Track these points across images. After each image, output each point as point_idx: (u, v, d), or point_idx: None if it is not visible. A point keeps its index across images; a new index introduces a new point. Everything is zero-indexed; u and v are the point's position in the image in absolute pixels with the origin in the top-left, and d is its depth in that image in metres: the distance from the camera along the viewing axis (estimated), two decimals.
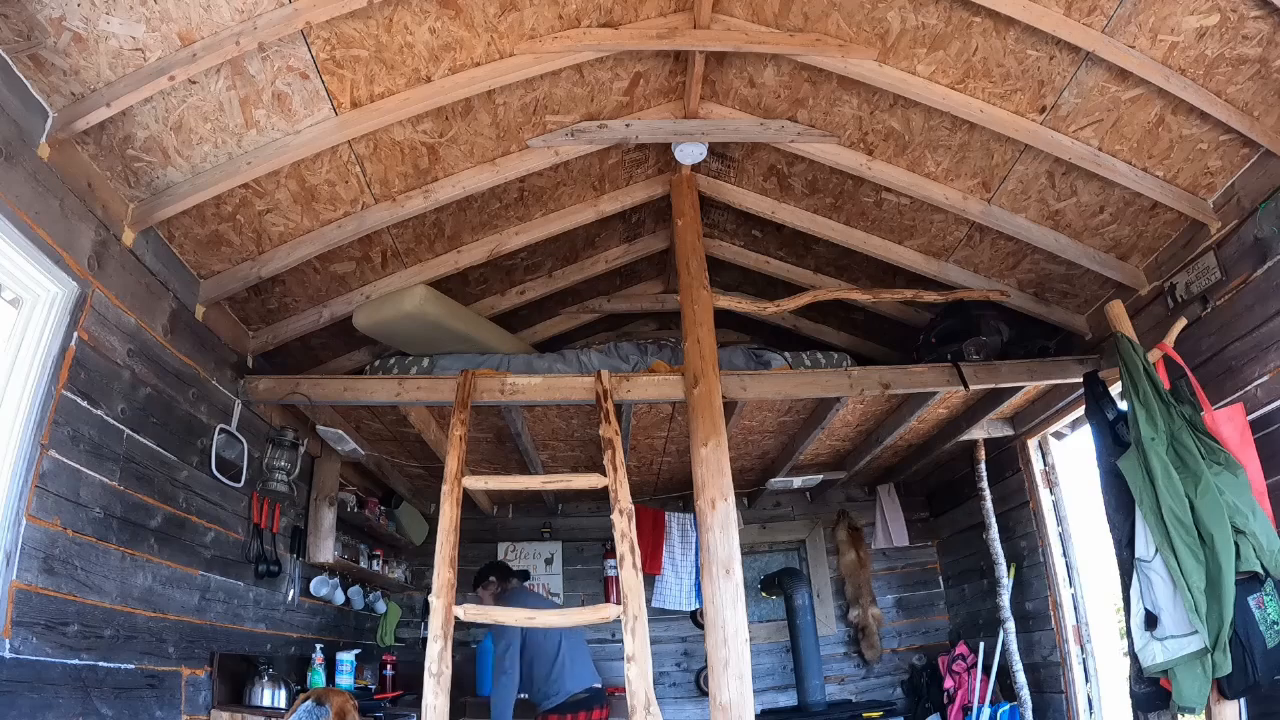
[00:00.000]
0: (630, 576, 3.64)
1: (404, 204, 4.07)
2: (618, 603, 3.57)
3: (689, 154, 4.47)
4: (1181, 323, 3.91)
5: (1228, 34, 3.20)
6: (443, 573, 3.55)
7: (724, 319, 5.64)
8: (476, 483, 3.95)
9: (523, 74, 3.65)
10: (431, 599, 3.48)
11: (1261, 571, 3.16)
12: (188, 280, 3.86)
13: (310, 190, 3.80)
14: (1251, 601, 3.16)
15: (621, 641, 3.52)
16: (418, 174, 4.02)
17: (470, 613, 3.52)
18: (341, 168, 3.76)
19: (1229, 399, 3.71)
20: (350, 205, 3.99)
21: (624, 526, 3.76)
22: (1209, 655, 3.17)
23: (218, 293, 4.00)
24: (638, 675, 3.35)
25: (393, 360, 4.86)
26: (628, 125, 4.23)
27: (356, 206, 4.01)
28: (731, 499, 3.91)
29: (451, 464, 3.88)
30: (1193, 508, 3.29)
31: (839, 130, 4.20)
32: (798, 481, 6.65)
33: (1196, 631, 3.19)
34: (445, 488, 3.80)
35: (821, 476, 6.67)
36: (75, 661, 2.81)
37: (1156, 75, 3.38)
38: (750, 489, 7.03)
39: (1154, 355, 3.81)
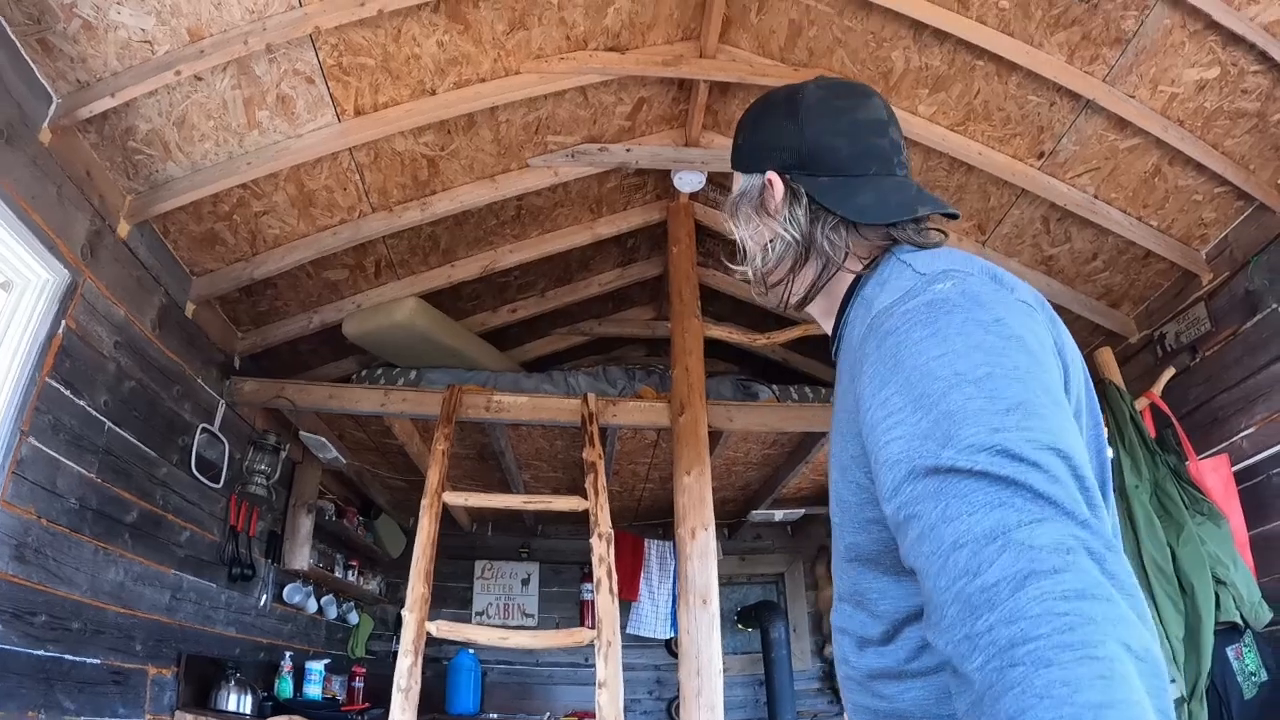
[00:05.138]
0: (606, 601, 3.62)
1: (401, 215, 4.06)
2: (592, 627, 3.55)
3: (688, 182, 4.50)
4: (1170, 372, 3.94)
5: (1227, 87, 3.25)
6: (417, 587, 3.53)
7: (714, 349, 5.64)
8: (457, 498, 3.93)
9: (527, 92, 3.67)
10: (404, 613, 3.46)
11: (1241, 622, 3.17)
12: (180, 277, 3.84)
13: (308, 195, 3.79)
14: (1230, 652, 3.16)
15: (594, 666, 3.50)
16: (416, 185, 4.02)
17: (443, 629, 3.50)
18: (341, 174, 3.76)
19: (1214, 449, 3.73)
20: (347, 213, 3.98)
21: (602, 551, 3.75)
22: (1185, 705, 3.16)
23: (209, 291, 3.97)
24: (609, 701, 3.33)
25: (380, 371, 4.84)
26: (628, 150, 4.26)
27: (353, 214, 4.00)
28: (712, 529, 3.91)
29: (432, 478, 3.87)
30: (1174, 557, 3.30)
31: None
32: (779, 514, 6.62)
33: (1174, 680, 3.18)
34: (425, 501, 3.79)
35: (804, 510, 6.64)
36: (40, 653, 2.76)
37: (1155, 125, 3.43)
38: (731, 520, 7.00)
39: (1141, 403, 3.84)
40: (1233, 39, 3.08)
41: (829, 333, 1.33)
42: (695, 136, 4.30)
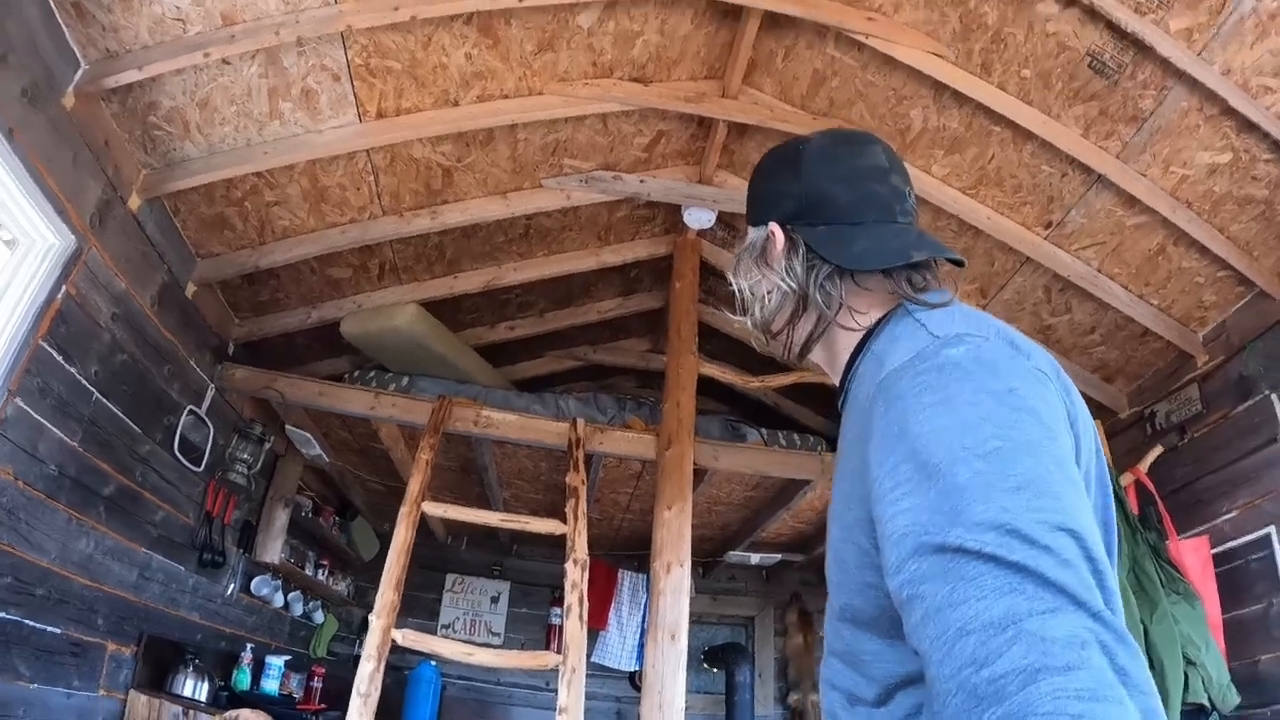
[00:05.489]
0: (575, 628, 3.60)
1: (410, 221, 4.08)
2: (558, 652, 3.53)
3: (697, 219, 4.53)
4: (1158, 450, 3.96)
5: (1238, 173, 3.31)
6: (387, 593, 3.51)
7: (706, 387, 5.61)
8: (435, 509, 3.92)
9: (548, 114, 3.71)
10: (371, 618, 3.44)
11: (1208, 704, 3.16)
12: (185, 257, 3.85)
13: (321, 191, 3.81)
14: None
15: (555, 691, 3.47)
16: (429, 194, 4.04)
17: (408, 638, 3.47)
18: (356, 174, 3.78)
19: (1196, 530, 3.74)
20: (357, 213, 4.00)
21: (576, 576, 3.74)
22: None
23: (212, 275, 3.98)
24: None
25: (372, 373, 4.84)
26: (642, 181, 4.30)
27: (363, 215, 4.02)
28: (688, 565, 3.90)
29: (413, 486, 3.86)
30: (1146, 634, 3.29)
31: None
32: (755, 558, 6.60)
33: None
34: (403, 509, 3.79)
35: (780, 556, 6.61)
36: (1, 614, 2.74)
37: (1164, 205, 3.47)
38: (707, 559, 6.95)
39: (1126, 479, 3.85)
40: (1248, 126, 3.13)
41: (835, 384, 1.29)
42: (709, 174, 4.34)
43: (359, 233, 4.05)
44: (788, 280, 1.27)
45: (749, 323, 1.37)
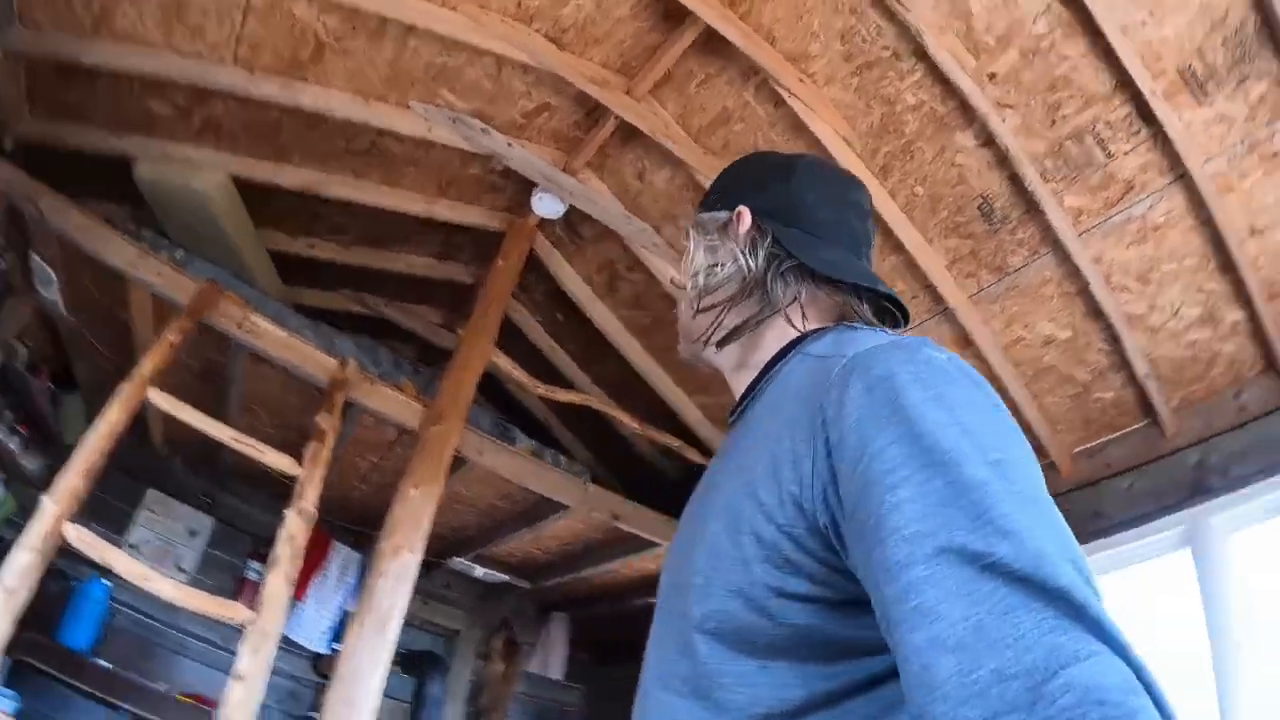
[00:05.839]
0: (278, 585, 3.15)
1: (259, 83, 3.66)
2: (251, 608, 3.08)
3: (547, 206, 4.40)
4: None
5: (1071, 353, 3.53)
6: (73, 478, 2.97)
7: (485, 385, 5.38)
8: (162, 399, 3.39)
9: (450, 32, 3.46)
10: (45, 499, 2.87)
11: None
12: (4, 13, 3.22)
13: (180, 6, 3.33)
14: None
15: (233, 652, 3.01)
16: (292, 63, 3.65)
17: (83, 538, 2.89)
18: (225, 5, 3.34)
19: None
20: (208, 49, 3.52)
21: (295, 528, 3.31)
22: None
23: (26, 46, 3.36)
24: (243, 699, 2.85)
25: (149, 233, 4.25)
26: (510, 145, 4.10)
27: (213, 54, 3.55)
28: (419, 554, 3.73)
29: (146, 365, 3.35)
30: None
31: None
32: (480, 571, 6.33)
33: None
34: (126, 386, 3.28)
35: (507, 577, 6.39)
36: None
37: (995, 357, 3.64)
38: (429, 558, 6.53)
39: None
40: (1095, 313, 3.33)
41: (736, 389, 1.25)
42: (576, 166, 4.23)
43: (199, 72, 3.57)
44: (745, 258, 1.25)
45: (688, 283, 1.33)
